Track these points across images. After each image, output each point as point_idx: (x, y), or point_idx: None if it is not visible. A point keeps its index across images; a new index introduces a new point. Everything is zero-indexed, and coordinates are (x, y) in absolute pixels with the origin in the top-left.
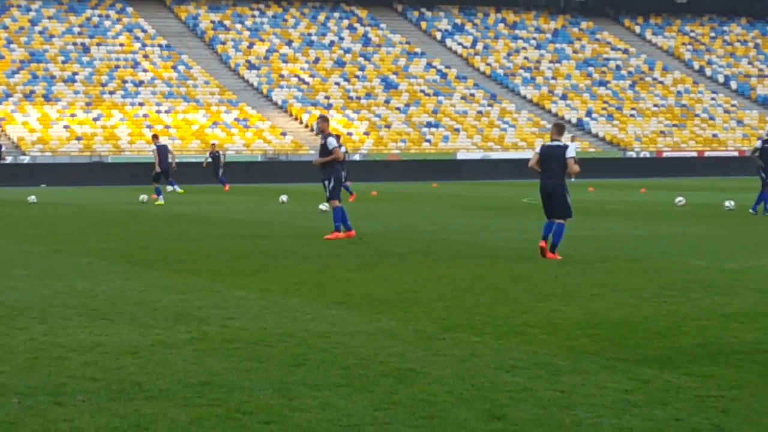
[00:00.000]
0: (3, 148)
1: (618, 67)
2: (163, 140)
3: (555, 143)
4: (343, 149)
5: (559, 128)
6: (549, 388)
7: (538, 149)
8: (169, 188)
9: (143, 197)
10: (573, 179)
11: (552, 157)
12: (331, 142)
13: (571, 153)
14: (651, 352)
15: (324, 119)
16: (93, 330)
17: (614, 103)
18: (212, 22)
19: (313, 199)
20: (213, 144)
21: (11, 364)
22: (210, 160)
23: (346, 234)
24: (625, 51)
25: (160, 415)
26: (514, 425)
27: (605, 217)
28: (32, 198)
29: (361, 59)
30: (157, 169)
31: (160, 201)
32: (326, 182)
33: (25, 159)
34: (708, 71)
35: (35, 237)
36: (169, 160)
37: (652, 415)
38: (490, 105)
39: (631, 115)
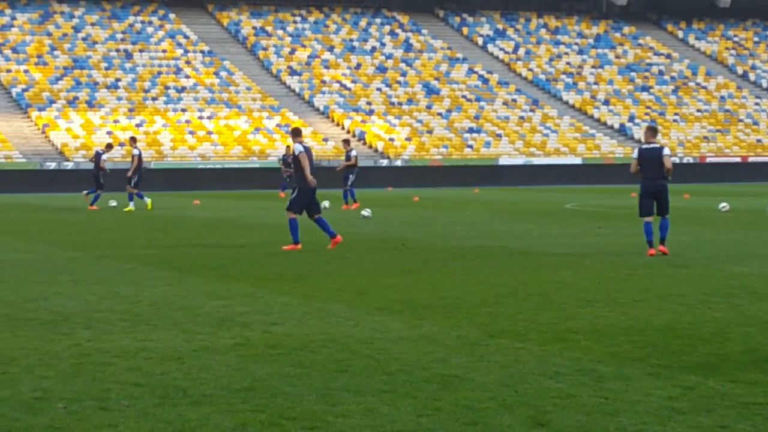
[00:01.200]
0: (105, 156)
1: (661, 72)
2: (208, 148)
3: (652, 145)
4: (353, 153)
5: (653, 131)
6: (593, 395)
7: (635, 154)
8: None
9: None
10: (669, 178)
11: (652, 159)
12: (297, 147)
13: (667, 152)
14: (695, 358)
15: (292, 132)
16: (137, 335)
17: (657, 108)
18: (254, 28)
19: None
20: (287, 147)
21: (56, 369)
22: (282, 165)
23: (293, 246)
24: (668, 56)
25: (204, 421)
26: None
27: None
28: (113, 203)
29: (402, 65)
30: (132, 174)
31: (148, 203)
32: (292, 192)
33: (69, 165)
34: (752, 76)
35: (80, 243)
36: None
37: (697, 422)
38: (532, 110)
39: (674, 121)
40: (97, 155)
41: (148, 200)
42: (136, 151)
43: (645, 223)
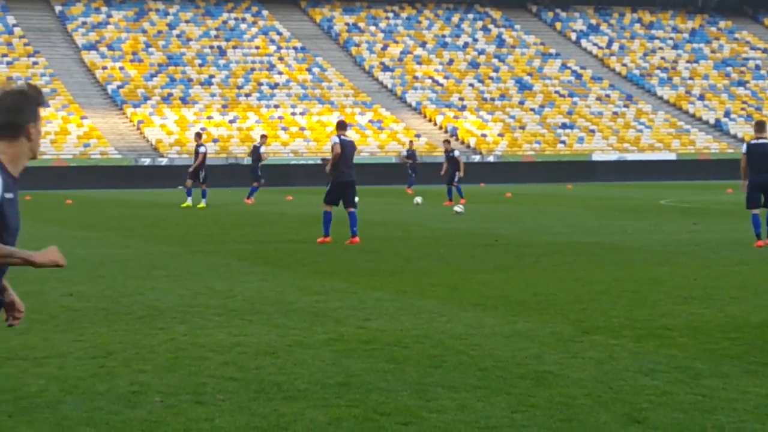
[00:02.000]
0: (263, 149)
1: (757, 67)
2: (300, 144)
3: (761, 140)
4: (457, 153)
5: (761, 126)
6: (689, 392)
7: (744, 149)
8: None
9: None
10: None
11: (761, 153)
12: (332, 139)
13: None
14: None
15: (337, 124)
16: (232, 330)
17: (753, 103)
18: (346, 24)
19: (446, 200)
20: (410, 142)
21: (153, 363)
22: (408, 161)
23: (323, 239)
24: (765, 50)
25: (299, 415)
26: (654, 429)
27: (745, 218)
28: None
29: (495, 60)
30: (194, 170)
31: (188, 203)
32: (328, 185)
33: (163, 161)
34: None
35: (174, 238)
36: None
37: None
38: (625, 106)
39: None
40: (255, 149)
41: (202, 201)
42: (202, 149)
43: (753, 215)
